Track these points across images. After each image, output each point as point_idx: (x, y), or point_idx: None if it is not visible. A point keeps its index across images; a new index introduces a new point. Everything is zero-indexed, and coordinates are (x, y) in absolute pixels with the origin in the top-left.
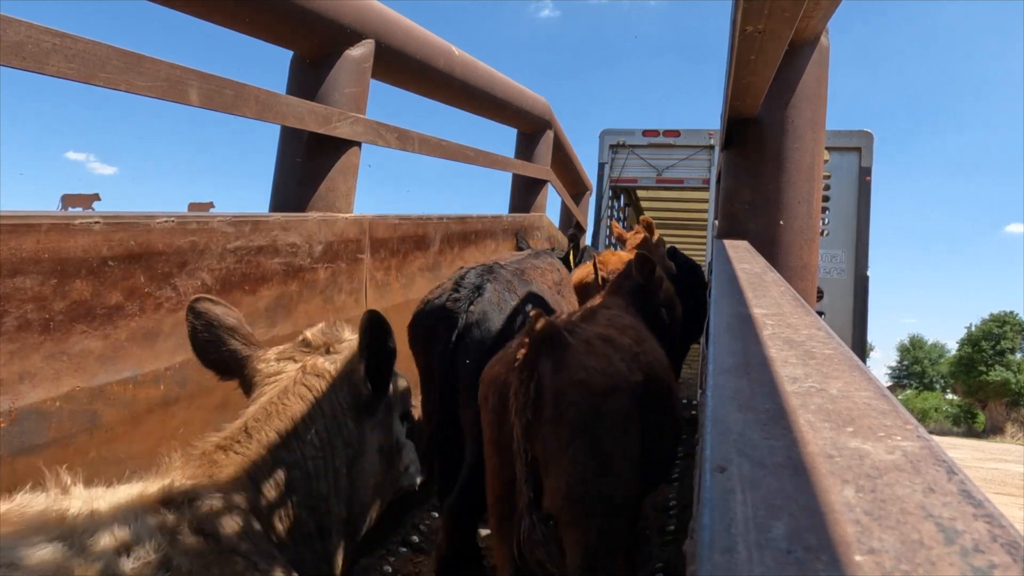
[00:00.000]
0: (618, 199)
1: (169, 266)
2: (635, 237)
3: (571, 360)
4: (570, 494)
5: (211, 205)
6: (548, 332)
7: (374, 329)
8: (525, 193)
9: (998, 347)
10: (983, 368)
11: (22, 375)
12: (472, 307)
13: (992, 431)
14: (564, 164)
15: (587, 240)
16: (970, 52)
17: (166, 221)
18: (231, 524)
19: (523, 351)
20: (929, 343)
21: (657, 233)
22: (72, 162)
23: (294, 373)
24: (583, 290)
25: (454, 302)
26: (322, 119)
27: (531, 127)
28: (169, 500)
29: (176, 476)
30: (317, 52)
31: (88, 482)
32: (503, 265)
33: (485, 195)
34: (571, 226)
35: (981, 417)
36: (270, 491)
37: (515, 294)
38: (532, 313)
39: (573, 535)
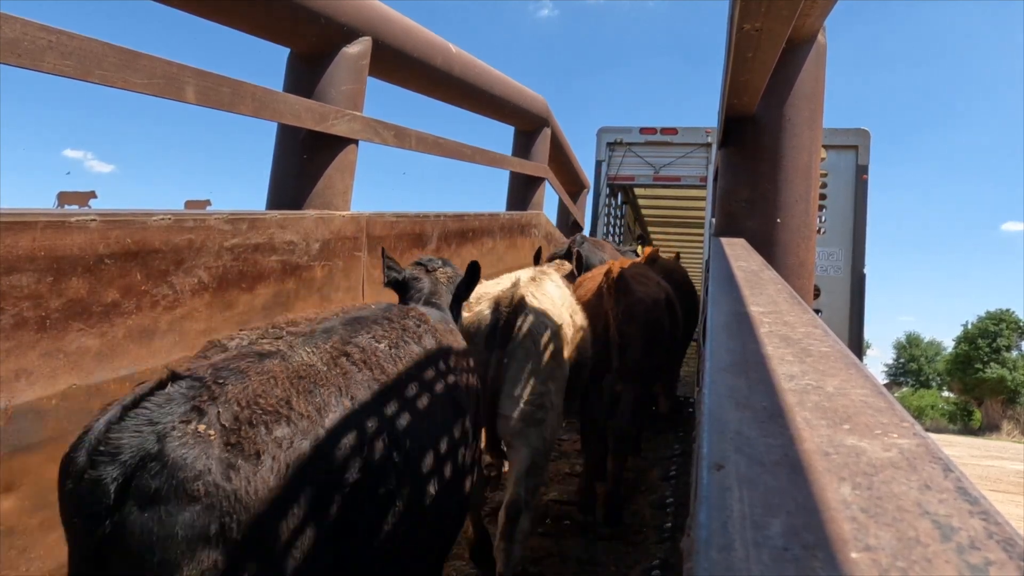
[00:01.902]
0: (615, 197)
1: (166, 264)
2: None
3: (632, 287)
4: (639, 361)
5: (208, 203)
6: (621, 272)
7: (577, 259)
8: (523, 191)
9: (994, 345)
10: (980, 366)
11: (18, 373)
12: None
13: (988, 429)
14: (562, 162)
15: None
16: (967, 51)
17: (163, 219)
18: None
19: (608, 284)
20: (926, 341)
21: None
22: (70, 160)
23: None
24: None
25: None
26: (319, 117)
27: (529, 125)
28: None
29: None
30: (314, 49)
31: None
32: (585, 237)
33: (483, 193)
34: (568, 224)
35: (977, 415)
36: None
37: (597, 249)
38: (609, 263)
39: (631, 384)
